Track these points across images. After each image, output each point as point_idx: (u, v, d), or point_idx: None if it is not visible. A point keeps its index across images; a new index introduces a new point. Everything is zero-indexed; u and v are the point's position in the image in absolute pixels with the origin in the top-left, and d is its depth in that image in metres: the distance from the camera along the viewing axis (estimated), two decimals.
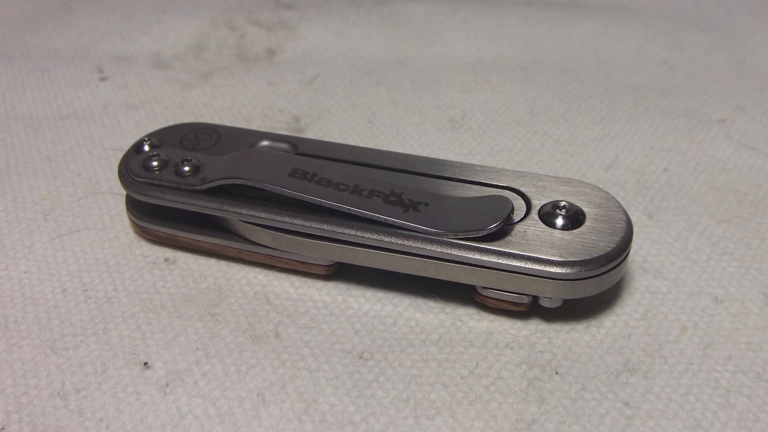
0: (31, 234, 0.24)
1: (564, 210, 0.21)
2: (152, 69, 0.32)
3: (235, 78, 0.31)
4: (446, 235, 0.20)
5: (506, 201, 0.21)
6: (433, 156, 0.23)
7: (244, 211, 0.22)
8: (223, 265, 0.24)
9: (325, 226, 0.21)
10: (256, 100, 0.30)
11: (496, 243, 0.20)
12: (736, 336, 0.21)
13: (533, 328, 0.22)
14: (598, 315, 0.22)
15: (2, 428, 0.19)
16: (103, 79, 0.31)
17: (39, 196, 0.26)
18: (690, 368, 0.20)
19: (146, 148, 0.24)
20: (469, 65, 0.30)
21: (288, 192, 0.21)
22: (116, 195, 0.26)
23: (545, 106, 0.28)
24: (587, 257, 0.20)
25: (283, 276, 0.23)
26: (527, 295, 0.21)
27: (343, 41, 0.32)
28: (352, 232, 0.21)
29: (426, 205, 0.21)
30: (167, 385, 0.20)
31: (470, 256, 0.20)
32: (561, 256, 0.20)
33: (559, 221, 0.21)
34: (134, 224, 0.24)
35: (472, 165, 0.23)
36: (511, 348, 0.21)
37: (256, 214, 0.22)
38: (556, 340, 0.21)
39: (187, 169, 0.22)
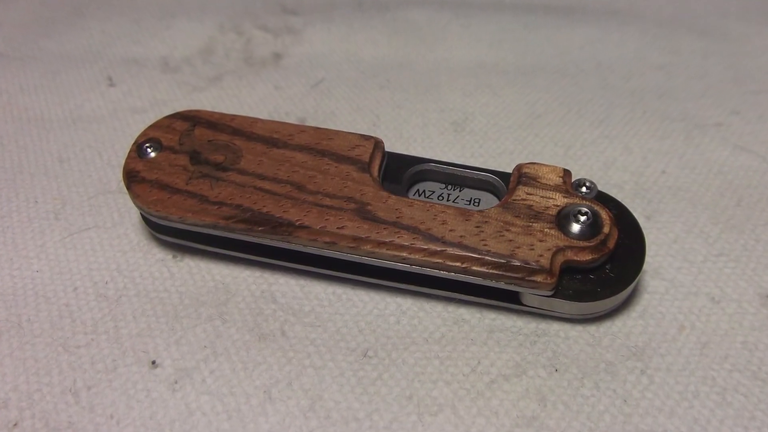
0: (42, 233, 0.24)
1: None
2: (161, 73, 0.32)
3: (242, 81, 0.31)
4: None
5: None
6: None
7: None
8: (229, 263, 0.23)
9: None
10: (263, 103, 0.30)
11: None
12: (733, 335, 0.21)
13: (534, 327, 0.22)
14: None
15: (15, 424, 0.19)
16: (111, 85, 0.31)
17: (51, 196, 0.26)
18: (687, 367, 0.20)
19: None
20: (471, 69, 0.30)
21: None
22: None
23: (545, 110, 0.28)
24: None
25: (288, 274, 0.23)
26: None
27: (347, 46, 0.32)
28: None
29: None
30: (176, 383, 0.20)
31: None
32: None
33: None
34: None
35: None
36: (512, 346, 0.21)
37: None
38: (556, 338, 0.21)
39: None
